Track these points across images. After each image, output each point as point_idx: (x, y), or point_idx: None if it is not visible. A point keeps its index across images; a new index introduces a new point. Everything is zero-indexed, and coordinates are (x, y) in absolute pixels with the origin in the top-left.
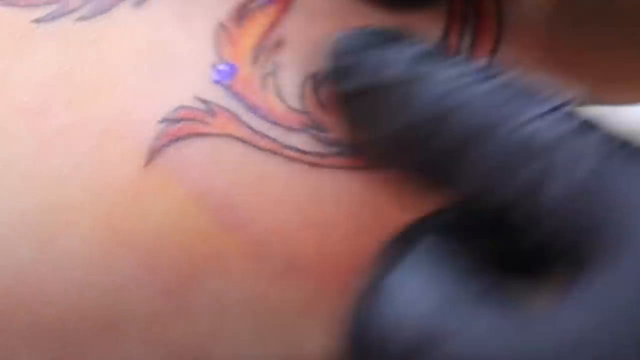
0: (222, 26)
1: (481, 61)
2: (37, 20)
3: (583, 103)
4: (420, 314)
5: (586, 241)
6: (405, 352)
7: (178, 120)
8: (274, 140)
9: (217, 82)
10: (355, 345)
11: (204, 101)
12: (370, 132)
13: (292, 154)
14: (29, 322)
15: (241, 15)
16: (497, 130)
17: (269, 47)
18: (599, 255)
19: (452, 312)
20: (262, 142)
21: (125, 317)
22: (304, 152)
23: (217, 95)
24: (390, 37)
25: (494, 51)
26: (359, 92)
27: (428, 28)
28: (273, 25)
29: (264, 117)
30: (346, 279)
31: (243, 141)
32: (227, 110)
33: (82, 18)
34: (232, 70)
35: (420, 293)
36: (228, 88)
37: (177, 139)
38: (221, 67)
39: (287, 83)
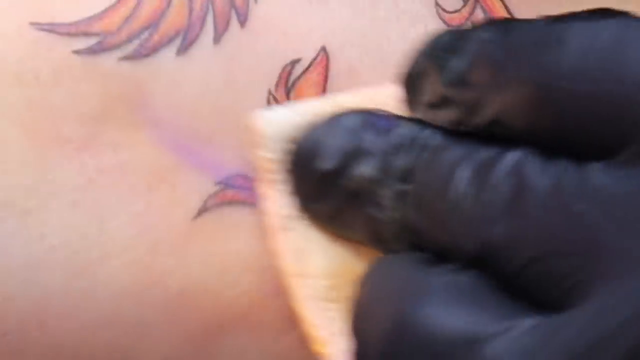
0: (272, 97)
1: None
2: (78, 52)
3: None
4: (462, 320)
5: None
6: (449, 351)
7: (235, 186)
8: None
9: None
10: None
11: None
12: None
13: None
14: (48, 346)
15: (287, 86)
16: None
17: None
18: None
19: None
20: None
21: (145, 354)
22: None
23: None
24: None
25: None
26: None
27: None
28: (320, 95)
29: None
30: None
31: None
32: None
33: (125, 58)
34: None
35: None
36: None
37: (231, 202)
38: None
39: None
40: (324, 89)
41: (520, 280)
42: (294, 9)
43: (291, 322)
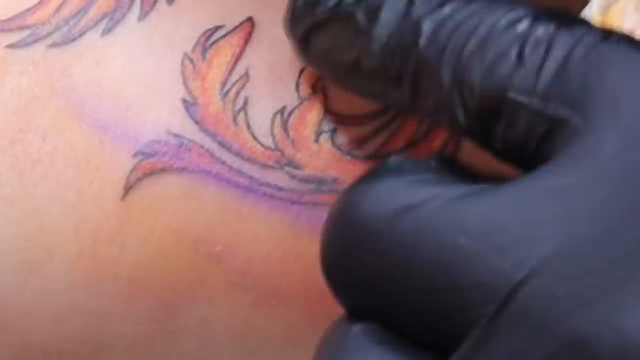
0: (188, 58)
1: None
2: (11, 46)
3: None
4: None
5: (578, 112)
6: None
7: (152, 155)
8: (251, 177)
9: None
10: None
11: (177, 136)
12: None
13: (269, 190)
14: (16, 345)
15: (205, 47)
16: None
17: (236, 81)
18: (587, 126)
19: None
20: (239, 178)
21: (110, 342)
22: (281, 189)
23: (189, 130)
24: None
25: None
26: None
27: None
28: (237, 57)
29: (238, 154)
30: (330, 307)
31: (218, 177)
32: (201, 146)
33: (54, 45)
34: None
35: None
36: (200, 123)
37: (151, 173)
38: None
39: (257, 118)
40: (241, 52)
41: None
42: None
43: (241, 285)
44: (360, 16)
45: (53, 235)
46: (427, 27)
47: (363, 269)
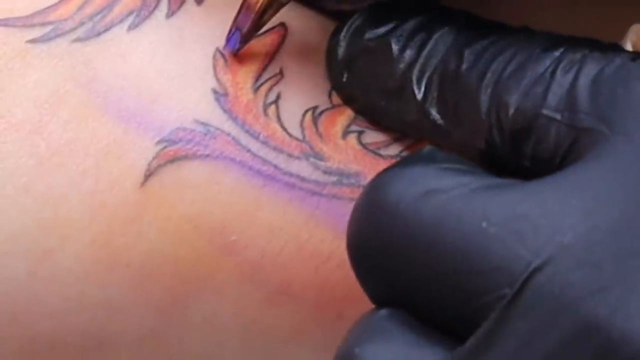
0: (219, 53)
1: None
2: (33, 41)
3: None
4: None
5: (604, 122)
6: None
7: (176, 142)
8: (275, 165)
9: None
10: None
11: (204, 124)
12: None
13: (291, 180)
14: (22, 337)
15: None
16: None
17: (269, 77)
18: (612, 132)
19: None
20: (263, 167)
21: (118, 334)
22: (303, 180)
23: (217, 119)
24: None
25: None
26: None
27: None
28: (271, 57)
29: (265, 143)
30: (340, 307)
31: (242, 165)
32: (227, 134)
33: (77, 40)
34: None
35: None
36: (229, 112)
37: (174, 160)
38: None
39: (288, 112)
40: (275, 52)
41: None
42: None
43: (253, 280)
44: (407, 47)
45: (67, 224)
46: (469, 54)
47: (388, 249)
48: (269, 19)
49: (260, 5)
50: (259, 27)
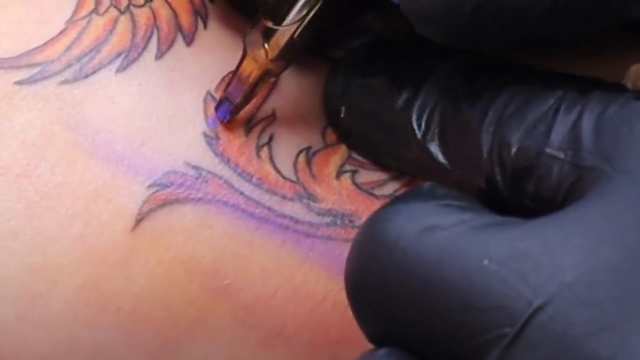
0: (210, 96)
1: None
2: (20, 82)
3: None
4: None
5: (607, 161)
6: None
7: (167, 186)
8: (269, 208)
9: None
10: None
11: (195, 167)
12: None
13: (285, 222)
14: None
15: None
16: None
17: (262, 119)
18: (615, 171)
19: None
20: (256, 209)
21: None
22: (297, 221)
23: (209, 162)
24: None
25: None
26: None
27: None
28: (263, 98)
29: (258, 185)
30: (334, 349)
31: (235, 208)
32: (220, 177)
33: (65, 82)
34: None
35: None
36: (221, 155)
37: (165, 204)
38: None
39: (281, 154)
40: (267, 94)
41: None
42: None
43: (246, 323)
44: (407, 83)
45: (56, 268)
46: (469, 92)
47: (386, 285)
48: (260, 90)
49: (253, 79)
50: (251, 99)
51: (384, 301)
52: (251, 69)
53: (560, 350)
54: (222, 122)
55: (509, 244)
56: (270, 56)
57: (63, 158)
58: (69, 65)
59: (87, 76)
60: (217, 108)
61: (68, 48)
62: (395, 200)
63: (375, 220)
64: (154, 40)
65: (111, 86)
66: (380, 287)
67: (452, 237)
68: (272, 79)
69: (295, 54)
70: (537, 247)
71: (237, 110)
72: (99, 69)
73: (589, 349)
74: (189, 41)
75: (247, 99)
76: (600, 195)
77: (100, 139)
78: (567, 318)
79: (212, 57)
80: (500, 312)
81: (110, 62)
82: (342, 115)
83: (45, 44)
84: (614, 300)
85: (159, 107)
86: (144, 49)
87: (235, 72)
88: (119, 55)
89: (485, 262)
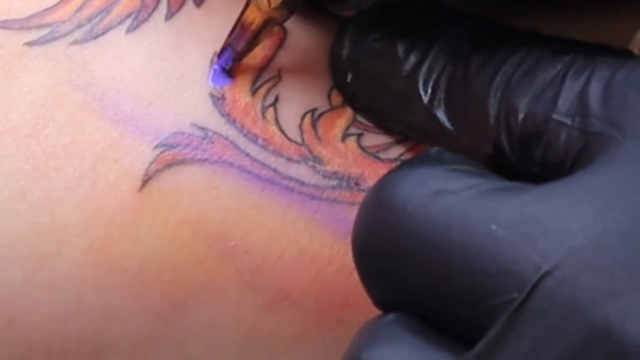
0: (217, 57)
1: None
2: (30, 43)
3: None
4: None
5: (615, 127)
6: None
7: (174, 146)
8: (274, 169)
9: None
10: None
11: (202, 128)
12: None
13: (291, 184)
14: (19, 343)
15: None
16: None
17: (267, 79)
18: (623, 137)
19: None
20: (262, 171)
21: (116, 340)
22: (303, 184)
23: (215, 123)
24: None
25: None
26: None
27: None
28: (269, 59)
29: (264, 147)
30: (340, 313)
31: (241, 169)
32: (226, 138)
33: (75, 42)
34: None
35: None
36: (227, 116)
37: (171, 164)
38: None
39: (287, 115)
40: (273, 55)
41: None
42: None
43: (252, 286)
44: (414, 48)
45: (64, 229)
46: (477, 58)
47: (395, 250)
48: (263, 38)
49: (256, 26)
50: (253, 47)
51: (391, 266)
52: (254, 17)
53: (569, 314)
54: (223, 69)
55: (517, 209)
56: (273, 4)
57: (71, 119)
58: (80, 26)
59: (97, 36)
60: (219, 56)
61: (79, 9)
62: (402, 165)
63: (383, 184)
64: (164, 0)
65: (121, 46)
66: (388, 252)
67: (461, 201)
68: (275, 28)
69: (297, 3)
70: (545, 212)
71: (239, 57)
72: (109, 29)
73: (598, 314)
74: (199, 2)
75: (249, 46)
76: (608, 160)
77: (109, 98)
78: (576, 283)
79: (221, 19)
80: (508, 277)
81: (120, 23)
82: (348, 80)
83: (56, 4)
84: (623, 265)
85: (168, 68)
86: (154, 9)
87: (238, 20)
88: (129, 15)
89: (494, 227)
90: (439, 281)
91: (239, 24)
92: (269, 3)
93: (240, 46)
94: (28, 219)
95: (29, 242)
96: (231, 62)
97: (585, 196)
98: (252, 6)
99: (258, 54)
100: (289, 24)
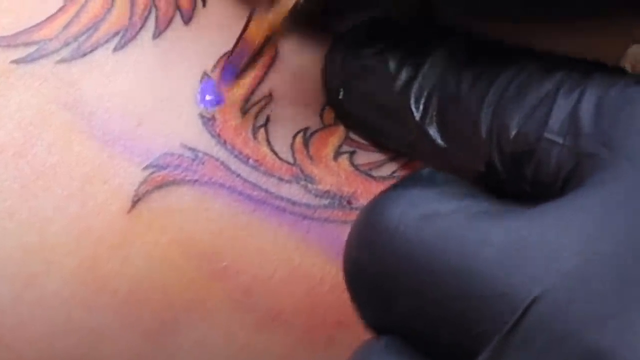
0: (207, 76)
1: None
2: (17, 61)
3: None
4: None
5: (607, 147)
6: None
7: (164, 167)
8: (265, 190)
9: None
10: None
11: (192, 149)
12: None
13: (282, 204)
14: None
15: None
16: None
17: (259, 100)
18: (614, 158)
19: None
20: (253, 192)
21: (105, 358)
22: (294, 203)
23: (205, 144)
24: None
25: None
26: None
27: None
28: (260, 79)
29: (255, 167)
30: (331, 331)
31: (232, 190)
32: (216, 159)
33: (62, 60)
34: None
35: None
36: (217, 137)
37: (162, 185)
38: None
39: (278, 135)
40: (264, 75)
41: None
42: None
43: (243, 305)
44: (405, 65)
45: (53, 248)
46: (468, 74)
47: (386, 272)
48: (264, 52)
49: (259, 42)
50: (254, 61)
51: (383, 288)
52: (256, 33)
53: (560, 340)
54: (227, 86)
55: (508, 232)
56: (275, 20)
57: (59, 138)
58: (67, 44)
59: (84, 55)
60: (222, 74)
61: (66, 26)
62: (395, 186)
63: (375, 206)
64: (152, 18)
65: (108, 65)
66: (380, 273)
67: (453, 224)
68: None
69: (300, 18)
70: (536, 235)
71: (241, 72)
72: (96, 47)
73: (589, 339)
74: (187, 20)
75: (251, 61)
76: (599, 182)
77: (97, 118)
78: (566, 307)
79: (211, 37)
80: (498, 301)
81: (107, 41)
82: (340, 97)
83: (43, 21)
84: (614, 291)
85: (156, 87)
86: (141, 27)
87: (240, 37)
88: (116, 33)
89: (485, 250)
90: (429, 303)
91: (241, 41)
92: (272, 18)
93: (242, 63)
94: (16, 238)
95: (17, 261)
96: (234, 77)
97: (576, 219)
98: (254, 22)
99: (249, 74)
100: (280, 43)
